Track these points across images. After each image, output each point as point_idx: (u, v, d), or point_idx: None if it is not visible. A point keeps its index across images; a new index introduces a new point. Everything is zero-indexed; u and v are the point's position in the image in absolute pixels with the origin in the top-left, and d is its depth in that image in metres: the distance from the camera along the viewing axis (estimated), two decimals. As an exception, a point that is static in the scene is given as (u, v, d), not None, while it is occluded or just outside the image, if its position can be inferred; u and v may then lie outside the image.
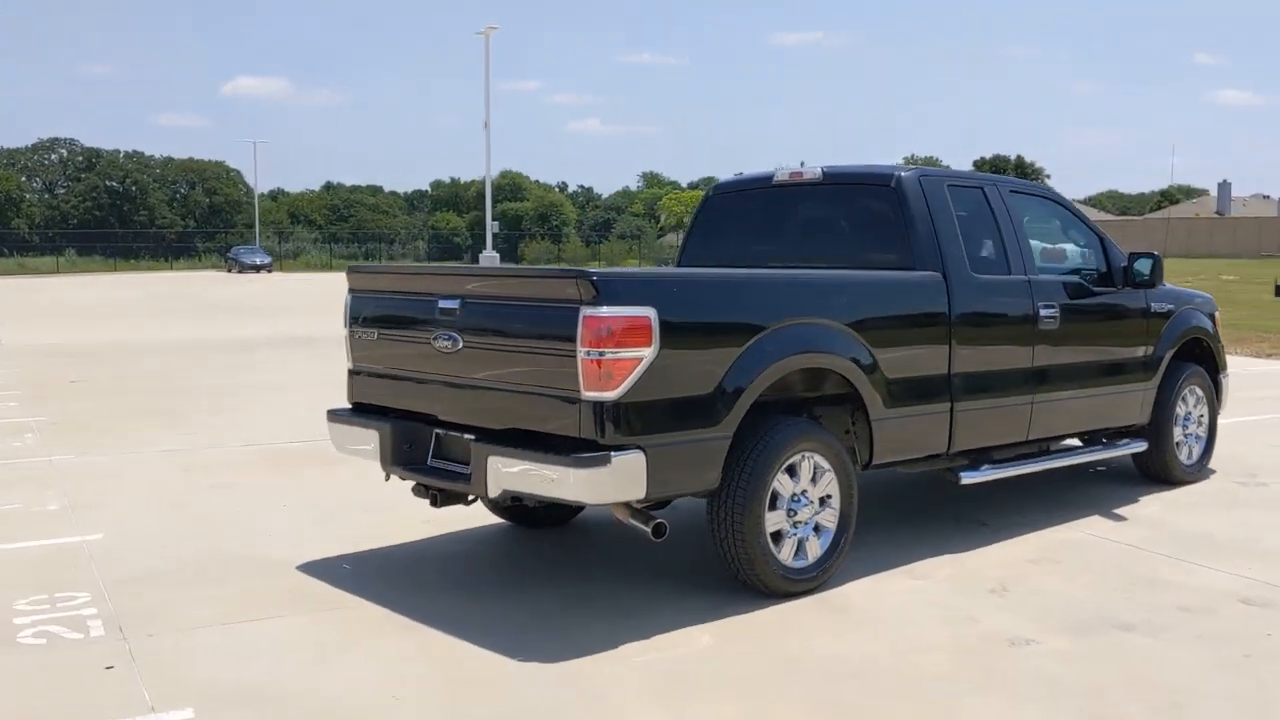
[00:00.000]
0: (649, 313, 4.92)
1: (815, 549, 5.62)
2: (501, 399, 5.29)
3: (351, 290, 6.17)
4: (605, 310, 4.84)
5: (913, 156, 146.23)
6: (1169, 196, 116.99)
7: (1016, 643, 5.00)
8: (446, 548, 6.52)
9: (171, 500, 7.59)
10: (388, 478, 5.90)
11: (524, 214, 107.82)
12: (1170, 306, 7.86)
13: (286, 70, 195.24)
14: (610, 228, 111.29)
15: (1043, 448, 7.28)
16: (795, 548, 5.54)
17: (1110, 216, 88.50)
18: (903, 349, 5.97)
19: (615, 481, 4.90)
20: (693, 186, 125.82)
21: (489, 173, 47.45)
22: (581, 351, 4.86)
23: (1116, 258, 7.48)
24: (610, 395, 4.87)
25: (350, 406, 6.23)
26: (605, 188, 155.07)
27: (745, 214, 7.33)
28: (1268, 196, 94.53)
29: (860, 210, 6.71)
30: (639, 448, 4.94)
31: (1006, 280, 6.62)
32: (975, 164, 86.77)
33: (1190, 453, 8.12)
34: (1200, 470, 8.22)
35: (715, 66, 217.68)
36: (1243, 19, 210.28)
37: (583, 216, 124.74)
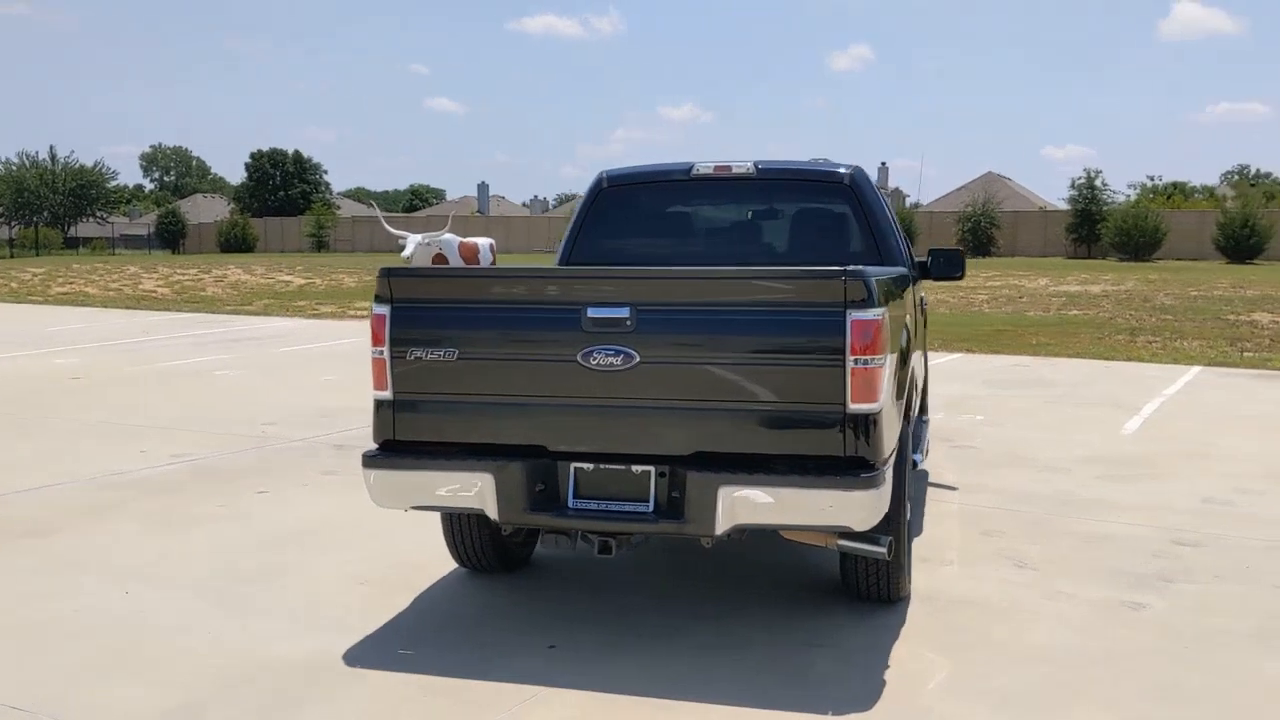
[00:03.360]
0: (885, 314, 4.57)
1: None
2: (704, 420, 4.55)
3: (394, 301, 4.80)
4: (871, 313, 4.41)
5: (160, 144, 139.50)
6: (419, 195, 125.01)
7: (1134, 607, 5.45)
8: (459, 605, 5.40)
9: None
10: (507, 531, 4.74)
11: None
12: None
13: None
14: None
15: None
16: (904, 551, 5.45)
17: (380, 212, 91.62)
18: (915, 344, 6.09)
19: (882, 502, 4.50)
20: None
21: None
22: (851, 360, 4.39)
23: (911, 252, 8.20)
24: (874, 406, 4.46)
25: (378, 447, 4.88)
26: None
27: (651, 208, 6.85)
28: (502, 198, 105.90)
29: (811, 207, 6.65)
30: (888, 462, 4.58)
31: (913, 274, 7.01)
32: (253, 156, 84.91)
33: (923, 424, 9.15)
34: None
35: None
36: (449, 32, 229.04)
37: None
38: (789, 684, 4.49)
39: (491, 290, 4.84)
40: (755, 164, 6.59)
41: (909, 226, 55.96)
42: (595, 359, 4.55)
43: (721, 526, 4.47)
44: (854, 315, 4.38)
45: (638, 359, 4.53)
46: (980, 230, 57.99)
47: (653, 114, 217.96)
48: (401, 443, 4.85)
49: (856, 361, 4.39)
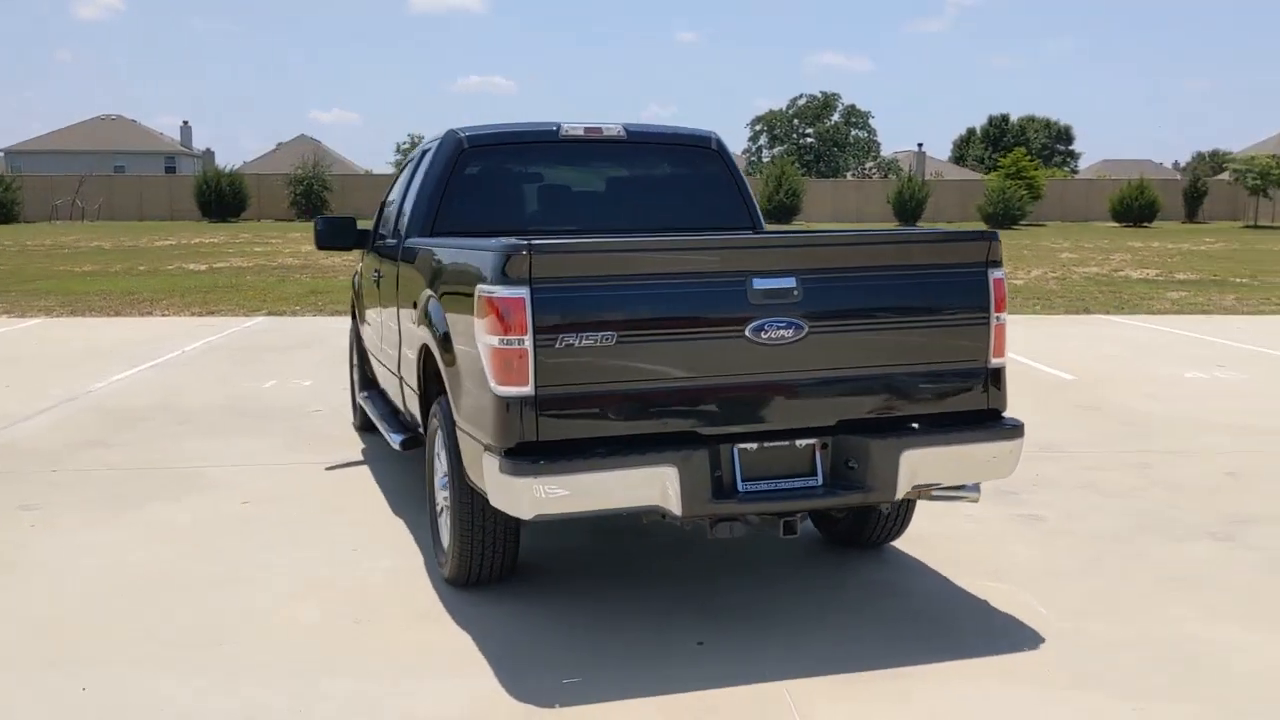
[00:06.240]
0: None
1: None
2: (864, 387, 4.52)
3: (535, 281, 4.06)
4: (1002, 271, 4.72)
5: None
6: None
7: (1035, 520, 6.29)
8: (511, 622, 4.75)
9: None
10: (688, 526, 4.25)
11: None
12: None
13: None
14: None
15: None
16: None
17: None
18: None
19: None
20: None
21: None
22: (995, 317, 4.65)
23: None
24: (1003, 361, 4.77)
25: (507, 451, 4.13)
26: None
27: (518, 172, 6.30)
28: None
29: (684, 172, 6.52)
30: None
31: None
32: None
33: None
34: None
35: None
36: None
37: None
38: (937, 635, 4.66)
39: (652, 264, 4.32)
40: (625, 127, 6.39)
41: (239, 189, 54.16)
42: (766, 333, 4.31)
43: (902, 491, 4.49)
44: (994, 274, 4.63)
45: (806, 330, 4.36)
46: (313, 194, 57.43)
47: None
48: (543, 444, 4.17)
49: (999, 319, 4.65)
